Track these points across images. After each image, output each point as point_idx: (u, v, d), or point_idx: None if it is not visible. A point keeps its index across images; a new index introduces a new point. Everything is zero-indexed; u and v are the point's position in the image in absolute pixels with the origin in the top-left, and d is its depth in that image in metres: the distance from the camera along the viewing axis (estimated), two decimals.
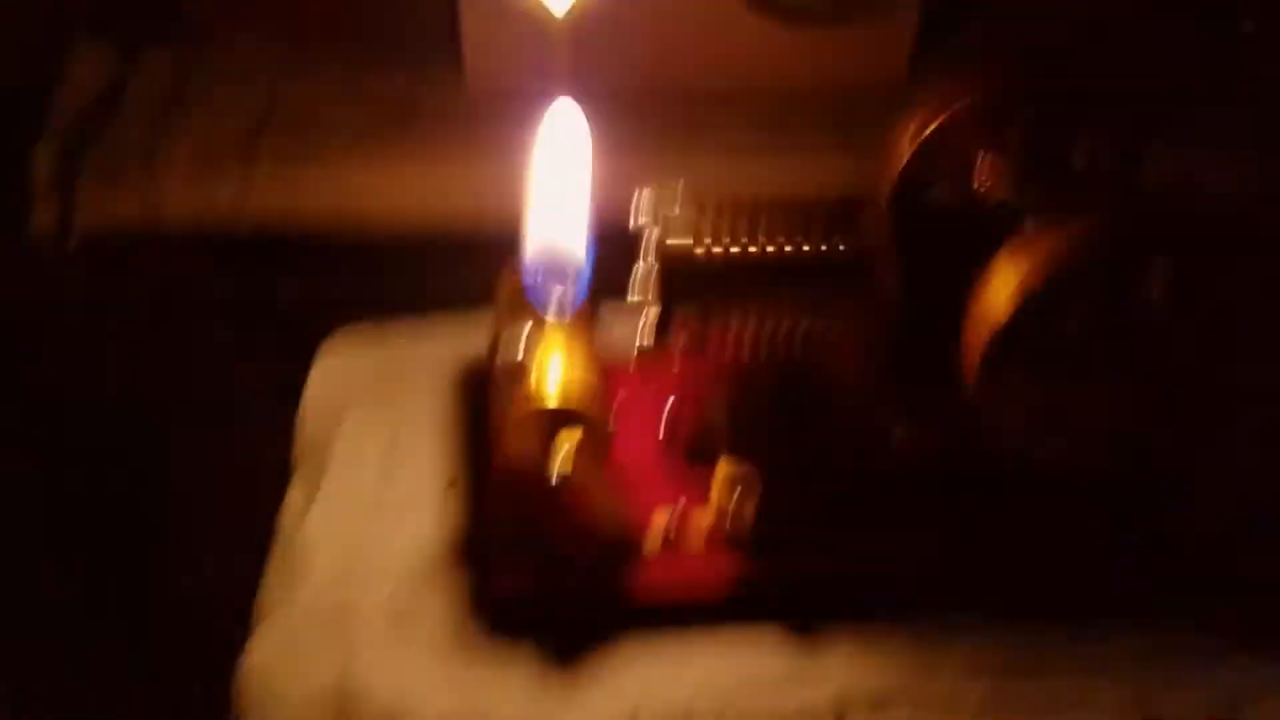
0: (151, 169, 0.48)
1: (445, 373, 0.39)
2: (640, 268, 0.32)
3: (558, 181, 0.33)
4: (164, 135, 0.50)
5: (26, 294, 0.47)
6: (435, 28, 0.58)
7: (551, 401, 0.32)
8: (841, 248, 0.32)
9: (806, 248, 0.32)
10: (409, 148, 0.52)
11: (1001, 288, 0.29)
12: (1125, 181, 0.33)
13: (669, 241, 0.31)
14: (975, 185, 0.35)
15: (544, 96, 0.35)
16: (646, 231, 0.32)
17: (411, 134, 0.52)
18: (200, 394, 0.45)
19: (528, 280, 0.33)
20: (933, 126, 0.35)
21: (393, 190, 0.49)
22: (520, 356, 0.32)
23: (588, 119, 0.36)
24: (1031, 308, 0.29)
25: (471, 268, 0.49)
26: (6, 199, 0.48)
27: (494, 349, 0.34)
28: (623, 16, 0.55)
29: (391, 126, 0.53)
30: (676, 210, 0.32)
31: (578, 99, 0.36)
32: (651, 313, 0.32)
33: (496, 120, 0.55)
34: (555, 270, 0.33)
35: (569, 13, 0.51)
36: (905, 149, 0.35)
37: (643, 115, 0.55)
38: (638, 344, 0.33)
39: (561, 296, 0.33)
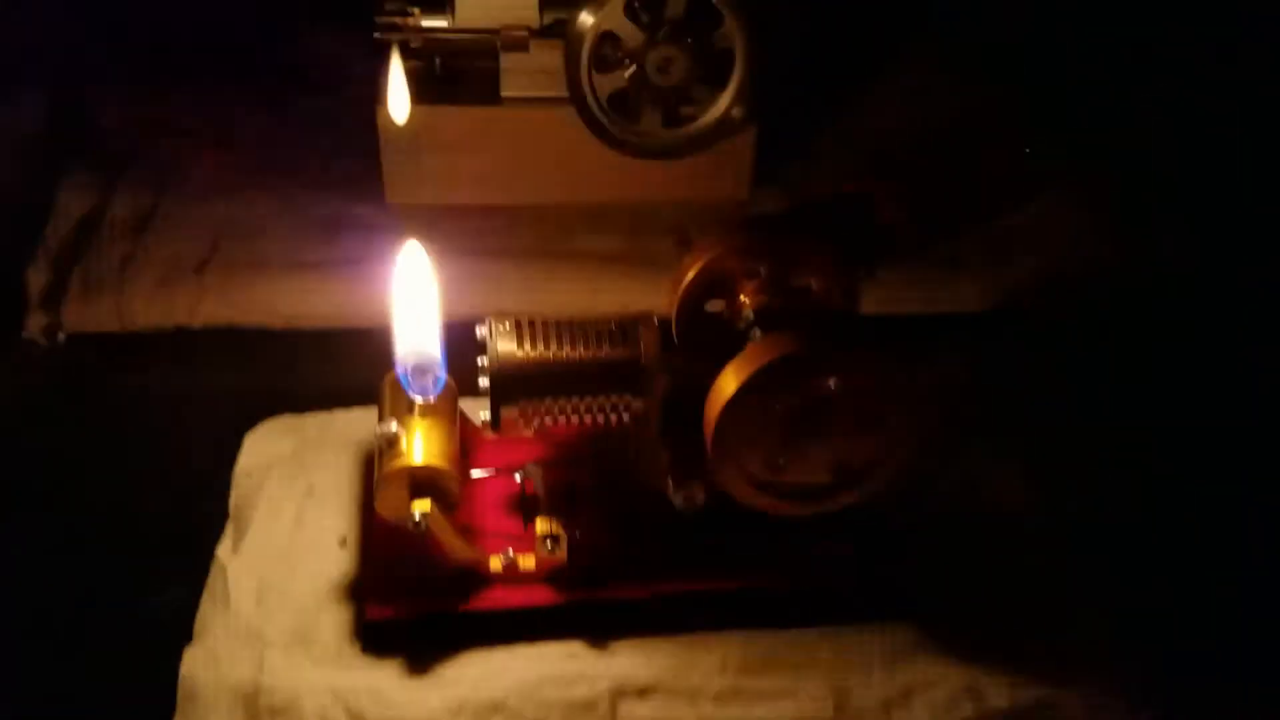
0: (124, 284, 0.58)
1: (347, 451, 0.49)
2: (481, 362, 0.42)
3: (414, 305, 0.43)
4: (134, 257, 0.60)
5: (20, 384, 0.56)
6: (359, 156, 0.69)
7: (415, 460, 0.42)
8: (625, 355, 0.42)
9: (601, 354, 0.42)
10: (335, 256, 0.62)
11: (729, 378, 0.39)
12: (832, 309, 0.43)
13: (500, 348, 0.42)
14: (738, 303, 0.45)
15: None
16: (487, 342, 0.42)
17: (339, 244, 0.63)
18: (161, 459, 0.54)
19: (399, 373, 0.43)
20: (710, 256, 0.45)
21: (318, 296, 0.59)
22: (394, 428, 0.42)
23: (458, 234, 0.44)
24: (744, 392, 0.39)
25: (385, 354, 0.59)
26: (4, 307, 0.58)
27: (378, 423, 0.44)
28: (496, 138, 0.65)
29: (322, 239, 0.63)
30: (508, 327, 0.42)
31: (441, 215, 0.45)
32: (490, 400, 0.42)
33: (412, 229, 0.65)
34: (418, 368, 0.43)
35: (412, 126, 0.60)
36: (687, 273, 0.46)
37: (517, 226, 0.65)
38: (481, 421, 0.43)
39: (424, 386, 0.43)
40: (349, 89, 0.74)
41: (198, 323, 0.58)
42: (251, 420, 0.52)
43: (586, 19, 0.60)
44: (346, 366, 0.58)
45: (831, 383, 0.39)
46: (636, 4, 0.60)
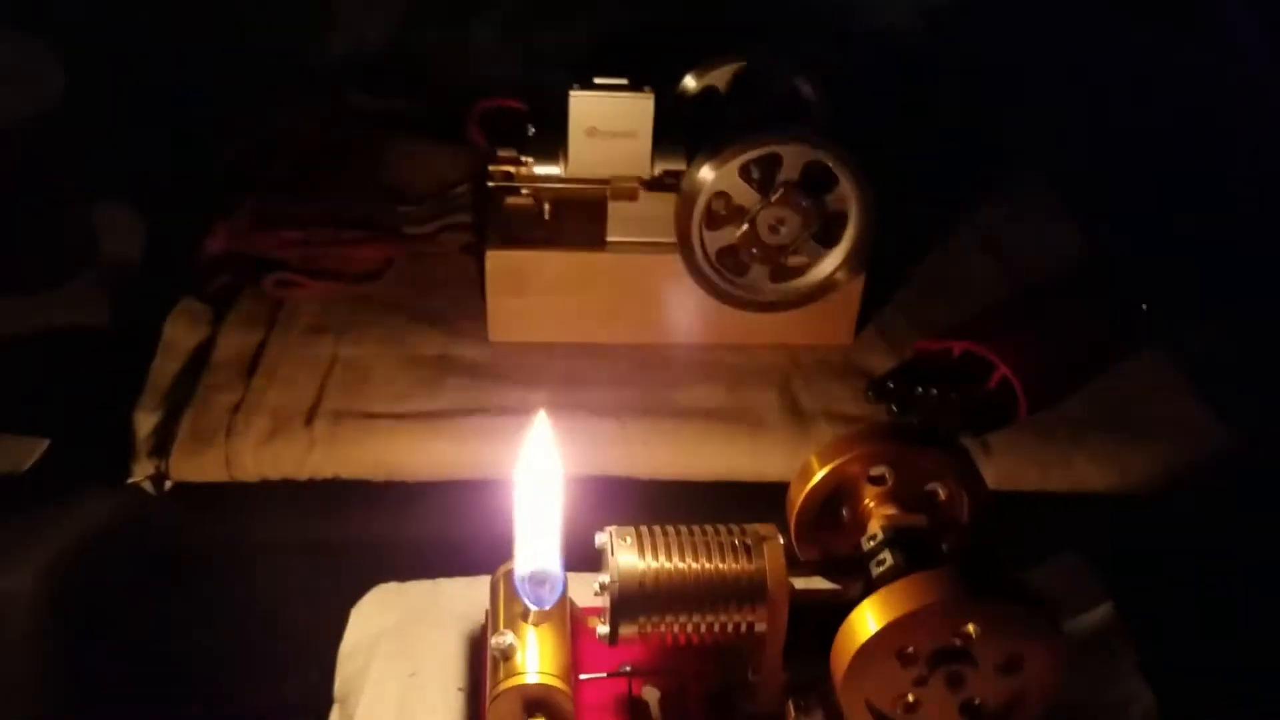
0: (232, 433, 0.57)
1: (451, 629, 0.48)
2: (601, 579, 0.41)
3: (538, 509, 0.42)
4: (243, 403, 0.59)
5: (125, 530, 0.56)
6: (464, 298, 0.69)
7: (530, 678, 0.40)
8: (749, 570, 0.40)
9: (724, 568, 0.41)
10: (441, 407, 0.61)
11: (866, 619, 0.37)
12: (966, 529, 0.42)
13: (622, 563, 0.40)
14: (861, 511, 0.43)
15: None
16: (607, 555, 0.41)
17: (444, 391, 0.62)
18: (261, 618, 0.53)
19: (517, 585, 0.42)
20: (836, 462, 0.43)
21: (424, 450, 0.58)
22: (509, 641, 0.41)
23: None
24: (881, 636, 0.37)
25: (489, 505, 0.58)
26: (112, 447, 0.58)
27: (490, 630, 0.43)
28: (599, 281, 0.64)
29: (427, 383, 0.62)
30: (629, 540, 0.41)
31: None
32: (610, 613, 0.41)
33: (514, 370, 0.64)
34: (537, 577, 0.42)
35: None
36: (810, 479, 0.44)
37: (619, 371, 0.64)
38: (600, 633, 0.42)
39: (541, 597, 0.41)
40: (449, 217, 0.75)
41: (304, 475, 0.57)
42: (355, 577, 0.51)
43: (703, 178, 0.59)
44: (452, 521, 0.57)
45: (972, 629, 0.37)
46: (750, 164, 0.59)
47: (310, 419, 0.58)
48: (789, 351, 0.66)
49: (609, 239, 0.64)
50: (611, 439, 0.59)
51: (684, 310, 0.65)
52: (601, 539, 0.41)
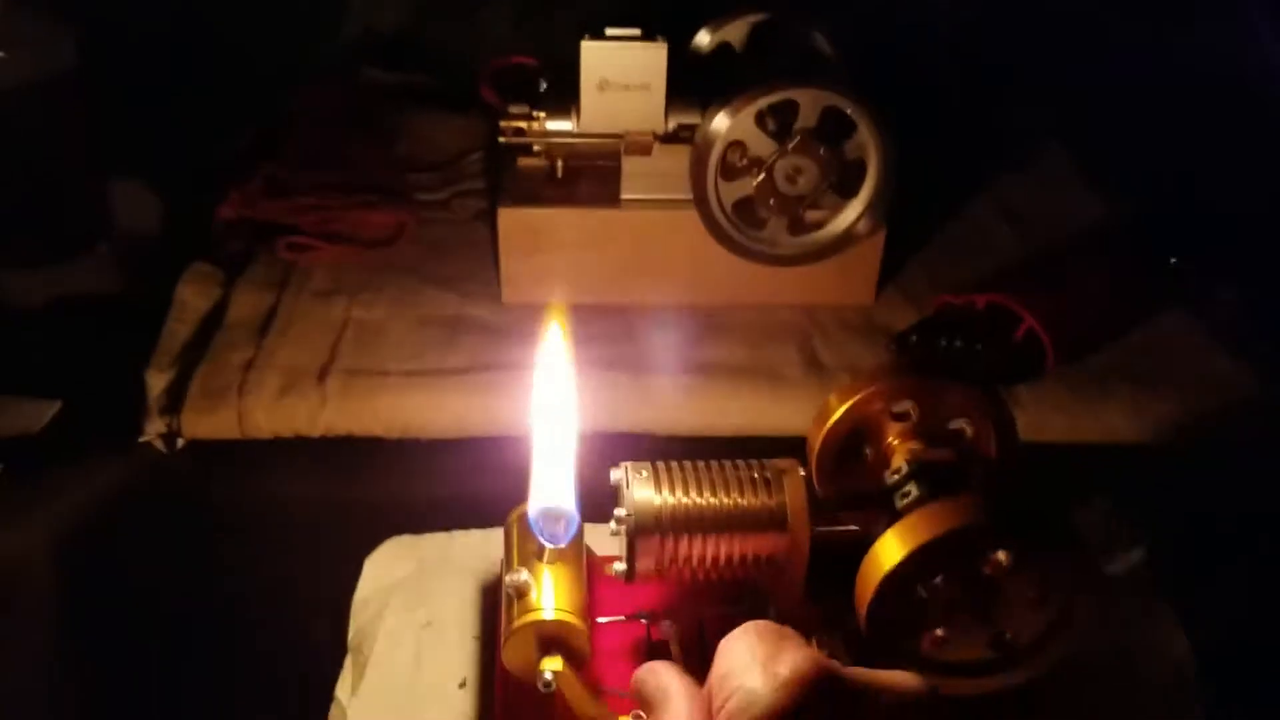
0: (245, 391, 0.56)
1: (466, 578, 0.47)
2: (617, 513, 0.40)
3: (553, 443, 0.40)
4: (255, 361, 0.58)
5: (135, 489, 0.55)
6: (477, 263, 0.68)
7: (546, 614, 0.39)
8: (769, 504, 0.39)
9: (743, 503, 0.39)
10: (454, 364, 0.60)
11: (891, 547, 0.36)
12: (990, 460, 0.40)
13: (638, 496, 0.39)
14: (885, 448, 0.42)
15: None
16: (622, 490, 0.40)
17: (457, 349, 0.61)
18: (275, 573, 0.52)
19: (532, 521, 0.40)
20: (855, 398, 0.42)
21: (437, 407, 0.57)
22: (525, 578, 0.40)
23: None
24: (906, 565, 0.36)
25: (502, 462, 0.57)
26: (125, 408, 0.57)
27: (505, 569, 0.42)
28: (615, 239, 0.63)
29: (440, 343, 0.61)
30: (645, 474, 0.39)
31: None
32: (626, 553, 0.40)
33: (528, 330, 0.63)
34: (552, 514, 0.40)
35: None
36: (831, 415, 0.42)
37: (636, 330, 0.62)
38: (615, 570, 0.40)
39: (556, 533, 0.40)
40: (462, 184, 0.74)
41: (317, 432, 0.56)
42: (368, 533, 0.50)
43: (717, 127, 0.58)
44: (465, 478, 0.56)
45: (1003, 557, 0.36)
46: (766, 112, 0.58)
47: (323, 376, 0.57)
48: (809, 310, 0.64)
49: (624, 196, 0.63)
50: (628, 394, 0.58)
51: (702, 268, 0.64)
52: (617, 474, 0.40)
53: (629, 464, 0.40)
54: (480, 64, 0.78)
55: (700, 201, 0.60)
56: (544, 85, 0.63)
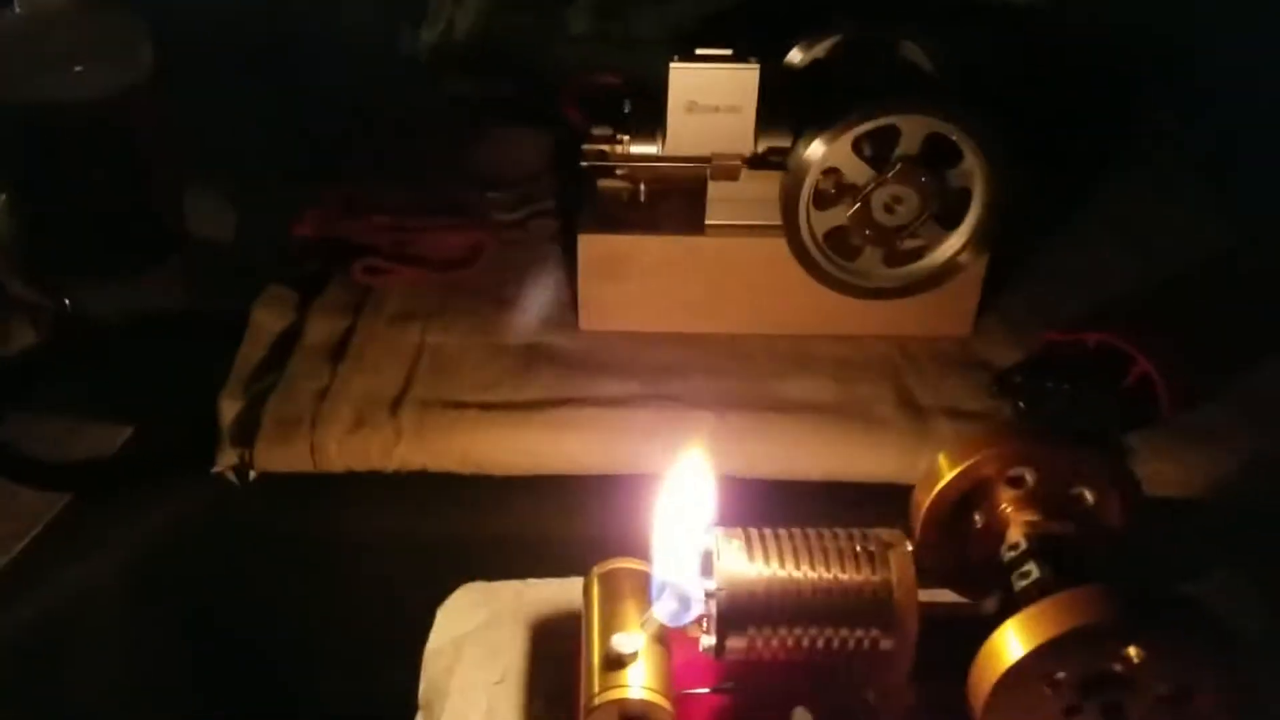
0: (318, 422, 0.54)
1: (539, 631, 0.44)
2: (707, 585, 0.37)
3: (681, 528, 0.37)
4: (329, 389, 0.56)
5: (209, 518, 0.53)
6: (553, 287, 0.65)
7: (634, 693, 0.36)
8: (873, 581, 0.36)
9: (844, 579, 0.36)
10: (530, 396, 0.57)
11: (1012, 641, 0.32)
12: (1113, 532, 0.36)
13: (729, 567, 0.36)
14: (999, 518, 0.38)
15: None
16: (713, 558, 0.37)
17: (533, 381, 0.58)
18: (344, 613, 0.50)
19: (654, 591, 0.38)
20: (968, 463, 0.38)
21: (515, 437, 0.54)
22: (631, 649, 0.37)
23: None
24: (1029, 661, 0.32)
25: (574, 505, 0.55)
26: (196, 432, 0.55)
27: (586, 629, 0.39)
28: (698, 267, 0.60)
29: (518, 370, 0.59)
30: (737, 543, 0.36)
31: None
32: (716, 628, 0.37)
33: (606, 360, 0.61)
34: (680, 595, 0.37)
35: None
36: (939, 480, 0.39)
37: (718, 363, 0.59)
38: (703, 645, 0.37)
39: (673, 613, 0.37)
40: (539, 204, 0.72)
41: (391, 467, 0.54)
42: (439, 572, 0.48)
43: (812, 153, 0.54)
44: (538, 519, 0.53)
45: (1134, 653, 0.32)
46: (863, 138, 0.54)
47: (396, 408, 0.55)
48: (898, 342, 0.60)
49: (708, 222, 0.60)
50: (709, 433, 0.54)
51: (786, 298, 0.60)
52: (707, 541, 0.37)
53: (719, 531, 0.37)
54: (556, 76, 0.75)
55: (790, 230, 0.57)
56: (628, 106, 0.60)
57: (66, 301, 0.63)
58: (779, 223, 0.58)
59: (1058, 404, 0.53)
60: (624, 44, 0.83)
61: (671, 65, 0.56)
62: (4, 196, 0.68)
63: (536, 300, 0.64)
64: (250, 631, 0.49)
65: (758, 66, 0.56)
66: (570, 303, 0.63)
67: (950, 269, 0.57)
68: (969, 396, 0.56)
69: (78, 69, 0.63)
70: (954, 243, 0.56)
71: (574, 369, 0.59)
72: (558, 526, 0.53)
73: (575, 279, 0.61)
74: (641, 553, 0.44)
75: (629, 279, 0.61)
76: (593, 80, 0.67)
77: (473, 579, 0.47)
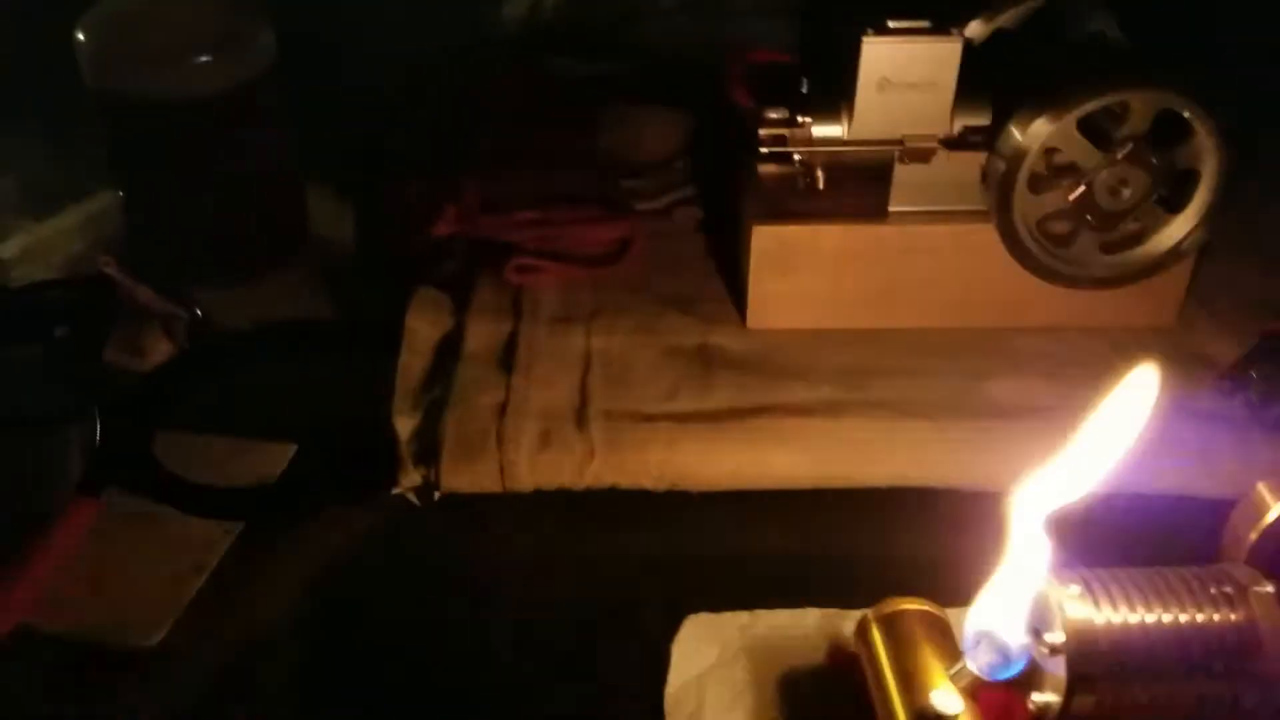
0: (503, 440, 0.49)
1: (781, 670, 0.41)
2: (1049, 638, 0.32)
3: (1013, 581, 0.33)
4: (506, 403, 0.51)
5: (392, 539, 0.49)
6: (707, 280, 0.60)
7: None
8: (1237, 622, 0.32)
9: (1200, 618, 0.32)
10: (716, 400, 0.53)
11: None
12: None
13: (1074, 615, 0.32)
14: None
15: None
16: (1050, 609, 0.32)
17: (715, 383, 0.54)
18: (547, 644, 0.46)
19: (970, 641, 0.33)
20: None
21: (714, 450, 0.50)
22: (945, 709, 0.33)
23: None
24: None
25: (779, 520, 0.51)
26: (361, 448, 0.51)
27: (877, 680, 0.35)
28: (879, 257, 0.55)
29: (696, 376, 0.54)
30: (1077, 590, 0.32)
31: None
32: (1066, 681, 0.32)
33: (786, 362, 0.56)
34: (1000, 649, 0.33)
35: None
36: (1268, 508, 0.35)
37: (904, 361, 0.54)
38: (1037, 704, 0.33)
39: (990, 667, 0.33)
40: (679, 191, 0.67)
41: (583, 485, 0.49)
42: (642, 595, 0.45)
43: (1035, 132, 0.49)
44: (740, 536, 0.49)
45: None
46: (1089, 116, 0.50)
47: (581, 422, 0.51)
48: (1104, 335, 0.56)
49: (892, 208, 0.55)
50: (925, 443, 0.50)
51: (977, 288, 0.56)
52: (1043, 588, 0.32)
53: (1051, 575, 0.33)
54: (647, 53, 0.70)
55: (1002, 216, 0.52)
56: (805, 86, 0.55)
57: (198, 310, 0.58)
58: (971, 207, 0.54)
59: None
60: (717, 15, 0.78)
61: (864, 40, 0.51)
62: (120, 194, 0.63)
63: (697, 297, 0.59)
64: (446, 667, 0.44)
65: (960, 39, 0.51)
66: (730, 298, 0.59)
67: (1175, 255, 0.52)
68: (1197, 394, 0.52)
69: (200, 60, 0.58)
70: (1180, 227, 0.52)
71: (751, 373, 0.55)
72: (762, 545, 0.49)
73: (734, 272, 0.56)
74: (892, 584, 0.40)
75: (802, 272, 0.56)
76: (760, 57, 0.62)
77: (673, 602, 0.44)
